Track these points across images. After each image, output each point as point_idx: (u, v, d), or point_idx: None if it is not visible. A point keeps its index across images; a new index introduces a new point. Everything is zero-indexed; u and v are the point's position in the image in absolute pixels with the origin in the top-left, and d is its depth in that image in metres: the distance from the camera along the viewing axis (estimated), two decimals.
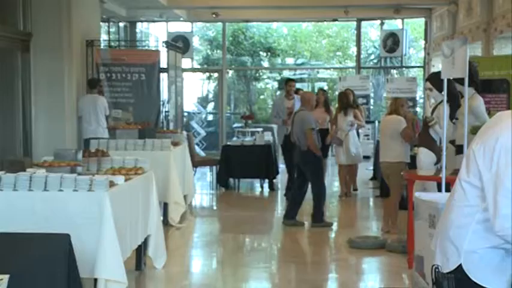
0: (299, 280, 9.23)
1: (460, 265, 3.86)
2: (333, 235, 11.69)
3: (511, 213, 3.65)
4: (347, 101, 14.15)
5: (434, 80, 9.79)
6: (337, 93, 22.33)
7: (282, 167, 15.76)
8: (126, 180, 8.14)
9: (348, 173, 14.63)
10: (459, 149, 8.40)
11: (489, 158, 3.75)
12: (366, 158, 16.40)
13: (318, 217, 11.82)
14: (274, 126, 15.61)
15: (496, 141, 3.77)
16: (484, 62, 12.60)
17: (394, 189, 11.39)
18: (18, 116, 14.38)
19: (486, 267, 3.89)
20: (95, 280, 7.08)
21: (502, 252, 3.88)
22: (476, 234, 3.87)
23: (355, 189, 15.46)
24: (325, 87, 24.62)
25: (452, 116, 9.03)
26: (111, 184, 7.53)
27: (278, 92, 23.32)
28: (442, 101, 8.75)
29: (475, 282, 3.85)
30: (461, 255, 3.89)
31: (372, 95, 21.92)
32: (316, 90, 17.99)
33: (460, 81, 8.13)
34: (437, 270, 3.89)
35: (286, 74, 29.57)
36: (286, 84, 14.06)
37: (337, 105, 15.09)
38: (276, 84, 27.12)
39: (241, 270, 9.77)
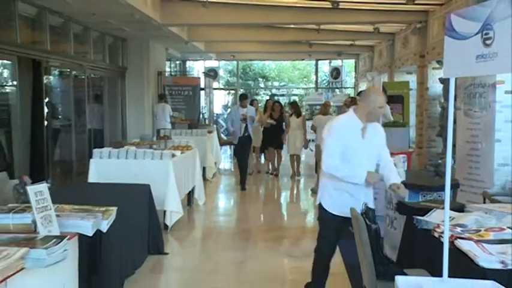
0: (277, 211, 9.29)
1: (319, 199, 4.44)
2: (302, 186, 11.71)
3: (327, 158, 4.21)
4: (297, 109, 12.60)
5: (361, 95, 9.80)
6: (304, 103, 22.45)
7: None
8: (181, 153, 8.20)
9: (296, 160, 12.48)
10: None
11: (323, 130, 4.34)
12: None
13: None
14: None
15: (327, 121, 4.66)
16: (389, 85, 12.61)
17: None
18: (118, 116, 14.38)
19: (329, 199, 4.35)
20: (164, 211, 7.15)
21: (339, 192, 4.27)
22: (323, 183, 4.44)
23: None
24: (297, 99, 24.55)
25: None
26: (173, 155, 7.59)
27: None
28: None
29: (324, 208, 4.37)
30: (320, 195, 4.44)
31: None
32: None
33: None
34: (366, 205, 3.93)
35: (274, 91, 29.62)
36: (241, 99, 11.71)
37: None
38: (267, 97, 26.97)
39: (247, 206, 9.82)
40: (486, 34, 2.30)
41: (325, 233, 4.44)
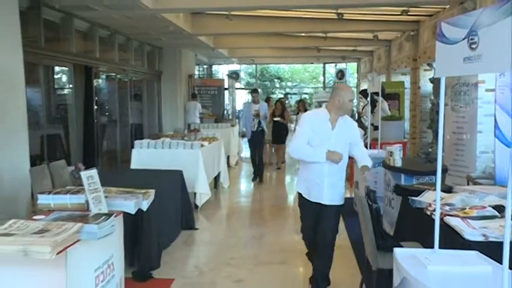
0: (289, 194, 9.24)
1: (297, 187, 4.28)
2: None
3: (293, 143, 4.03)
4: (305, 106, 12.10)
5: (363, 93, 9.72)
6: (313, 100, 22.30)
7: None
8: (209, 143, 8.21)
9: None
10: (376, 128, 8.33)
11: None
12: None
13: None
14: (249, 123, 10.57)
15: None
16: (387, 84, 12.48)
17: None
18: (155, 112, 14.45)
19: (302, 186, 4.17)
20: (194, 193, 7.17)
21: (306, 179, 4.11)
22: (299, 172, 4.29)
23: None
24: (307, 97, 24.41)
25: (372, 111, 8.94)
26: (202, 145, 7.60)
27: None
28: (367, 103, 8.68)
29: (299, 193, 4.20)
30: (297, 183, 4.30)
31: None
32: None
33: (376, 93, 8.07)
34: (368, 187, 3.91)
35: (288, 90, 29.54)
36: (251, 94, 10.74)
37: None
38: (281, 96, 26.87)
39: (264, 189, 9.79)
40: (472, 39, 2.28)
41: (303, 217, 4.25)
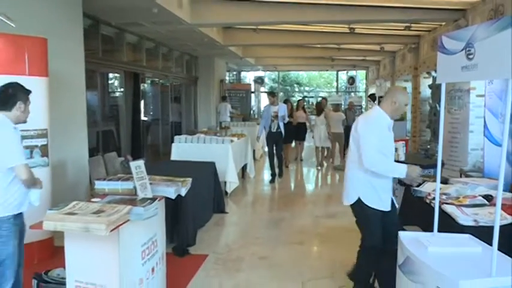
0: (307, 184, 9.20)
1: (359, 197, 3.31)
2: (324, 170, 11.53)
3: (371, 154, 3.13)
4: (321, 108, 11.05)
5: (371, 97, 9.59)
6: (328, 104, 22.01)
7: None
8: (237, 139, 8.18)
9: (321, 152, 11.03)
10: None
11: (357, 128, 3.26)
12: None
13: None
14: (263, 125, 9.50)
15: (359, 122, 3.31)
16: None
17: (333, 145, 10.97)
18: (192, 112, 14.55)
19: (370, 196, 3.27)
20: (225, 182, 7.18)
21: (375, 189, 3.27)
22: (361, 181, 3.29)
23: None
24: (322, 100, 24.14)
25: None
26: (232, 141, 7.59)
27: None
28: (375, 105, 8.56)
29: (367, 205, 3.28)
30: (358, 193, 3.32)
31: (342, 103, 21.38)
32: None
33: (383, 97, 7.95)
34: None
35: (305, 93, 29.35)
36: (268, 96, 9.47)
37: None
38: (299, 98, 26.60)
39: (286, 180, 9.74)
40: (469, 51, 2.26)
41: (373, 229, 3.34)
